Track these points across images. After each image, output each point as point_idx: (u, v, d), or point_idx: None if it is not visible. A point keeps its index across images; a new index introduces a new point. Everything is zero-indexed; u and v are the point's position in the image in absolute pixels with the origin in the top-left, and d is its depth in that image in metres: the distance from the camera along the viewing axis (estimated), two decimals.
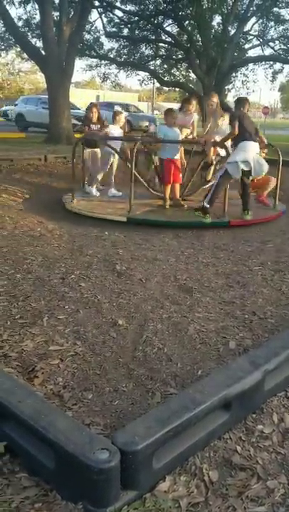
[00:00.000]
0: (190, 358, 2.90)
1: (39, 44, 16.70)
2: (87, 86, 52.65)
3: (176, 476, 1.95)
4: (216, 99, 7.63)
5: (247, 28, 20.34)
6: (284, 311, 3.62)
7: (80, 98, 35.16)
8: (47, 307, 3.47)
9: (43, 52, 15.08)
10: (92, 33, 20.24)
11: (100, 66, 22.42)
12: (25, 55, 18.56)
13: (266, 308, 3.66)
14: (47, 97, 15.94)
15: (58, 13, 15.25)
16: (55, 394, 2.47)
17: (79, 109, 20.71)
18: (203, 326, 3.32)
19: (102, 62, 21.87)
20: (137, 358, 2.87)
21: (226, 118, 7.07)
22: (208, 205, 6.23)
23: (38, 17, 16.72)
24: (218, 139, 6.76)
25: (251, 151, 6.18)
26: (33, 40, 17.85)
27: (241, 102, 6.56)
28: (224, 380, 2.27)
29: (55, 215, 6.65)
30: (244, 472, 2.02)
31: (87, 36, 19.70)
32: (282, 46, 20.68)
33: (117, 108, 8.90)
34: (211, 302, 3.76)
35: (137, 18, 19.69)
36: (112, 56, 21.41)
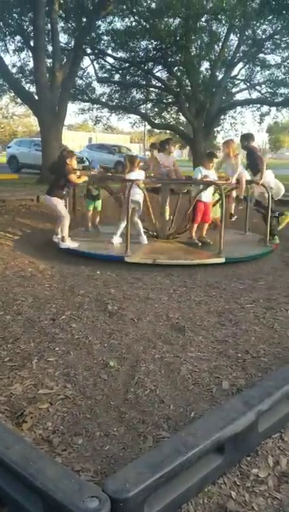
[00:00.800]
0: (183, 399, 2.85)
1: (32, 89, 17.20)
2: (80, 129, 53.88)
3: None
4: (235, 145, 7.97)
5: (234, 72, 21.12)
6: (277, 349, 3.59)
7: (72, 140, 35.96)
8: (37, 349, 3.42)
9: (36, 97, 15.50)
10: (84, 78, 20.92)
11: (92, 110, 23.04)
12: (19, 100, 19.05)
13: (259, 347, 3.63)
14: (40, 139, 16.28)
15: (51, 60, 15.79)
16: (44, 439, 2.40)
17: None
18: (196, 366, 3.28)
19: (95, 105, 22.50)
20: (129, 401, 2.81)
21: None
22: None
23: (31, 64, 17.30)
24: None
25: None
26: (27, 86, 18.42)
27: (251, 136, 7.42)
28: (217, 421, 2.23)
29: (46, 255, 6.65)
30: None
31: (79, 81, 20.35)
32: (269, 90, 21.43)
33: (132, 152, 8.86)
34: (203, 341, 3.73)
35: (127, 64, 20.40)
36: (103, 100, 22.04)
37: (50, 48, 16.21)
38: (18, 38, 17.34)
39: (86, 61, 20.18)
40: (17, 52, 18.08)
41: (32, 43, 15.66)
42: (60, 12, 15.88)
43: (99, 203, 8.02)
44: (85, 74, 20.92)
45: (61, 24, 17.42)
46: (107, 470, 2.17)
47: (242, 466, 2.28)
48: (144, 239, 7.18)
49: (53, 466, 1.90)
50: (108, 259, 6.24)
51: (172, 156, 7.93)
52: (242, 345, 3.65)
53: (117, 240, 6.98)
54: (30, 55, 16.24)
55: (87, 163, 18.14)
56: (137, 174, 6.91)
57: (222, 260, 6.32)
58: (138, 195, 6.81)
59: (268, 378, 2.80)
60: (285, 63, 20.02)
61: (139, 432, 2.50)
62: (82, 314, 4.16)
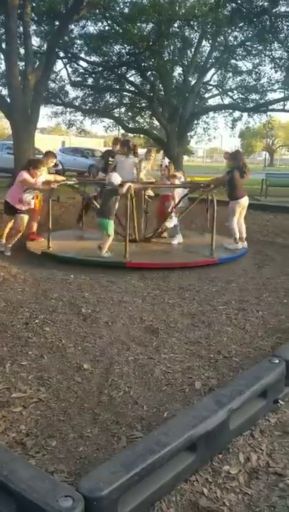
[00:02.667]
0: (156, 399, 2.89)
1: (4, 92, 17.05)
2: (53, 132, 53.52)
3: None
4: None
5: (207, 78, 21.39)
6: (248, 349, 3.67)
7: (45, 144, 35.62)
8: (9, 353, 3.40)
9: (8, 100, 15.35)
10: (57, 81, 20.81)
11: (65, 113, 22.95)
12: None
13: (231, 347, 3.71)
14: (12, 142, 16.12)
15: (23, 63, 15.68)
16: (17, 442, 2.40)
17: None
18: (169, 367, 3.32)
19: (68, 109, 22.41)
20: (103, 403, 2.83)
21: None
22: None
23: (3, 66, 17.15)
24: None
25: None
26: None
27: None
28: (189, 420, 2.28)
29: (19, 260, 6.59)
30: None
31: (52, 85, 20.22)
32: (240, 95, 21.80)
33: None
34: (176, 343, 3.78)
35: (101, 68, 20.43)
36: (77, 104, 21.98)
37: (22, 51, 16.10)
38: None
39: (59, 64, 20.04)
40: None
41: (4, 46, 15.52)
42: (33, 15, 15.80)
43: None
44: (58, 77, 20.84)
45: (34, 27, 17.32)
46: (81, 471, 2.19)
47: (214, 464, 2.32)
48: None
49: (26, 468, 1.91)
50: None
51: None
52: (214, 346, 3.71)
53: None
54: (2, 57, 16.09)
55: (60, 166, 18.03)
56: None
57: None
58: None
59: (239, 377, 2.86)
60: (256, 70, 20.40)
61: (112, 432, 2.52)
62: (55, 318, 4.15)
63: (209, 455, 2.34)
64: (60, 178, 7.56)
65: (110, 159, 8.46)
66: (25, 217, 6.86)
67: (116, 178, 6.51)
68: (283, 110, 20.94)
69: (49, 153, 8.02)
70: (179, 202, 7.47)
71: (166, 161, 8.16)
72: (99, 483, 1.80)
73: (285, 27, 16.78)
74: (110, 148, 9.05)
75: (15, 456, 2.01)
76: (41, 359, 3.34)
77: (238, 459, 2.38)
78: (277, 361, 2.92)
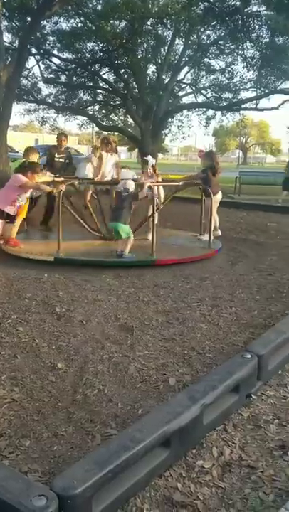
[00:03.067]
0: (130, 397, 2.90)
1: None
2: (26, 129, 52.89)
3: None
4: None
5: (180, 76, 21.49)
6: (221, 345, 3.72)
7: (18, 141, 35.23)
8: None
9: None
10: (29, 78, 20.55)
11: (38, 110, 22.69)
12: None
13: (204, 344, 3.75)
14: None
15: None
16: None
17: (17, 152, 20.69)
18: (144, 364, 3.34)
19: (41, 106, 22.17)
20: (77, 401, 2.83)
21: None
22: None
23: None
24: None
25: None
26: None
27: None
28: (163, 416, 2.30)
29: None
30: (185, 509, 2.03)
31: (24, 81, 19.96)
32: (214, 94, 21.97)
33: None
34: (151, 340, 3.80)
35: (74, 65, 20.27)
36: (50, 101, 21.77)
37: None
38: None
39: (31, 61, 19.80)
40: None
41: None
42: (4, 10, 15.56)
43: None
44: (31, 74, 20.58)
45: (5, 23, 17.06)
46: (56, 470, 2.19)
47: (188, 459, 2.35)
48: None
49: None
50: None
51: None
52: (188, 343, 3.75)
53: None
54: None
55: None
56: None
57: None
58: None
59: (212, 373, 2.90)
60: (229, 69, 20.59)
61: (87, 431, 2.53)
62: (29, 317, 4.12)
63: (183, 450, 2.37)
64: (58, 179, 7.46)
65: (56, 155, 8.59)
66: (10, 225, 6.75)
67: (131, 185, 6.50)
68: (256, 109, 21.26)
69: (31, 150, 7.95)
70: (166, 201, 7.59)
71: (152, 160, 8.13)
72: (73, 481, 1.81)
73: (257, 26, 17.01)
74: (56, 144, 9.01)
75: None
76: (14, 359, 3.32)
77: (212, 453, 2.42)
78: (249, 356, 2.97)
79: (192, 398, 2.48)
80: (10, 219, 6.71)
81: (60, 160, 8.81)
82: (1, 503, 1.70)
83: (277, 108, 20.89)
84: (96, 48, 18.95)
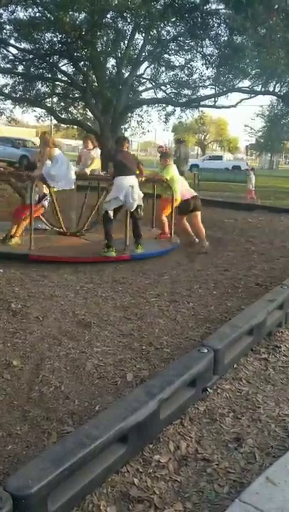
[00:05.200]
0: (88, 393, 2.88)
1: None
2: None
3: None
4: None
5: (140, 71, 21.39)
6: (179, 340, 3.75)
7: None
8: None
9: None
10: None
11: None
12: None
13: (162, 339, 3.77)
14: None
15: None
16: None
17: None
18: (102, 361, 3.33)
19: None
20: (33, 399, 2.78)
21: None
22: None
23: None
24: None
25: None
26: None
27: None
28: (120, 412, 2.29)
29: None
30: (142, 504, 2.04)
31: None
32: (173, 90, 22.07)
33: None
34: (109, 336, 3.79)
35: (31, 56, 19.82)
36: (6, 92, 21.21)
37: None
38: None
39: None
40: None
41: None
42: None
43: None
44: None
45: None
46: (10, 469, 2.15)
47: (144, 454, 2.37)
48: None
49: None
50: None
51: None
52: (146, 338, 3.76)
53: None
54: None
55: None
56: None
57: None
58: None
59: (169, 368, 2.92)
60: (188, 65, 20.72)
61: (43, 429, 2.49)
62: None
63: (140, 446, 2.38)
64: None
65: None
66: None
67: None
68: (214, 106, 21.49)
69: None
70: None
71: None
72: (27, 480, 1.78)
73: (216, 24, 17.19)
74: None
75: None
76: None
77: (168, 447, 2.44)
78: (205, 350, 3.01)
79: (149, 393, 2.48)
80: None
81: None
82: None
83: (234, 106, 21.21)
84: (55, 39, 18.57)
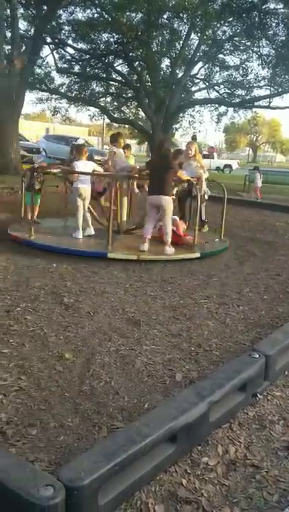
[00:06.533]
0: (137, 390, 2.90)
1: None
2: (37, 118, 52.77)
3: None
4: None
5: (194, 71, 21.37)
6: (228, 344, 3.71)
7: (29, 130, 35.20)
8: None
9: None
10: (43, 67, 20.49)
11: (50, 100, 22.62)
12: None
13: (211, 341, 3.74)
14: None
15: (9, 47, 15.40)
16: None
17: (28, 141, 20.69)
18: (151, 359, 3.34)
19: (53, 96, 22.10)
20: (84, 392, 2.83)
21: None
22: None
23: None
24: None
25: None
26: None
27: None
28: (170, 412, 2.30)
29: (0, 248, 6.51)
30: (189, 505, 2.03)
31: (38, 70, 19.92)
32: (227, 90, 21.87)
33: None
34: (158, 335, 3.80)
35: (88, 56, 20.19)
36: (62, 91, 21.70)
37: (9, 35, 15.80)
38: None
39: (46, 50, 19.72)
40: None
41: None
42: None
43: (38, 197, 7.65)
44: (45, 63, 20.53)
45: (21, 11, 17.01)
46: (62, 460, 2.20)
47: (193, 455, 2.36)
48: (91, 230, 7.06)
49: (6, 457, 1.91)
50: (91, 255, 6.14)
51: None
52: (195, 339, 3.75)
53: (79, 234, 6.93)
54: None
55: (43, 153, 17.82)
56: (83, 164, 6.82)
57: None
58: (83, 185, 6.77)
59: (219, 370, 2.89)
60: (243, 65, 20.46)
61: (93, 422, 2.53)
62: (37, 306, 4.13)
63: (189, 447, 2.37)
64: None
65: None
66: None
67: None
68: (268, 107, 21.10)
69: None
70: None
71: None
72: (80, 472, 1.81)
73: (274, 24, 16.88)
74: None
75: None
76: (22, 347, 3.32)
77: (217, 450, 2.42)
78: (257, 356, 2.96)
79: (199, 395, 2.47)
80: None
81: None
82: (8, 491, 1.70)
83: None
84: (111, 39, 18.90)
